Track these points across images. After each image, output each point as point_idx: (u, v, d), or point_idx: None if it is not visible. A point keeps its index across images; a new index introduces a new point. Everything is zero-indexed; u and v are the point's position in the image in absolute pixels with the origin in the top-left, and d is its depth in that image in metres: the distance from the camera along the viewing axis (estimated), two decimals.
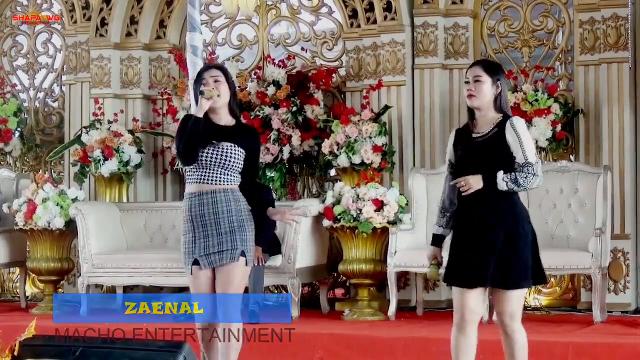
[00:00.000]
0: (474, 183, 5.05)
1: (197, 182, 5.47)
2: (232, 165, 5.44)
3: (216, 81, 5.49)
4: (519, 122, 5.14)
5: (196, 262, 5.47)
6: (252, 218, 5.51)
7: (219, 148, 5.43)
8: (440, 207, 5.35)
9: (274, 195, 8.96)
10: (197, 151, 5.44)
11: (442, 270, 5.25)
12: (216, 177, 5.44)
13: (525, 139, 5.11)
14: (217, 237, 5.42)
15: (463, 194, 5.09)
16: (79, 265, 9.24)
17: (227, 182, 5.45)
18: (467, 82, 5.20)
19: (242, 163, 5.48)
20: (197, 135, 5.41)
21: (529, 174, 5.06)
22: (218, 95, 5.46)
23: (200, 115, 5.44)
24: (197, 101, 5.56)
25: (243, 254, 5.42)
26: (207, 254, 5.44)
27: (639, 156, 8.66)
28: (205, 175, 5.46)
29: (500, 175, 5.05)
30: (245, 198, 5.52)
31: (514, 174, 5.06)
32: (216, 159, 5.43)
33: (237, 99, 5.63)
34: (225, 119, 5.54)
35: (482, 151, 5.13)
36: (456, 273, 5.15)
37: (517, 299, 5.12)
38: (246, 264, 5.45)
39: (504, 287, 5.08)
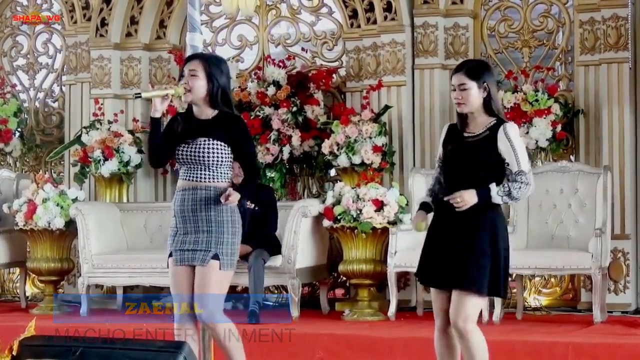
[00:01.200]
0: (469, 198, 4.99)
1: (182, 179, 5.36)
2: (212, 161, 5.25)
3: (192, 75, 5.29)
4: (511, 128, 5.06)
5: (171, 255, 5.36)
6: (236, 219, 5.31)
7: (193, 145, 5.27)
8: (429, 188, 5.31)
9: (274, 196, 8.94)
10: (158, 153, 5.34)
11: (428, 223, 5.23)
12: (198, 175, 5.29)
13: (519, 147, 5.05)
14: (194, 234, 5.28)
15: (457, 209, 5.02)
16: (79, 265, 9.25)
17: (210, 179, 5.28)
18: (453, 90, 5.13)
19: (226, 156, 5.28)
20: (155, 137, 5.30)
21: (521, 183, 5.02)
22: (188, 90, 5.26)
23: (157, 115, 5.26)
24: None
25: (216, 257, 5.24)
26: (181, 249, 5.31)
27: (639, 156, 8.66)
28: (188, 172, 5.32)
29: (494, 189, 5.00)
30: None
31: (507, 186, 5.01)
32: (193, 156, 5.27)
33: (222, 88, 5.32)
34: (205, 112, 5.34)
35: (471, 153, 5.07)
36: (429, 273, 5.16)
37: (471, 303, 5.04)
38: (220, 268, 5.24)
39: (458, 288, 5.03)
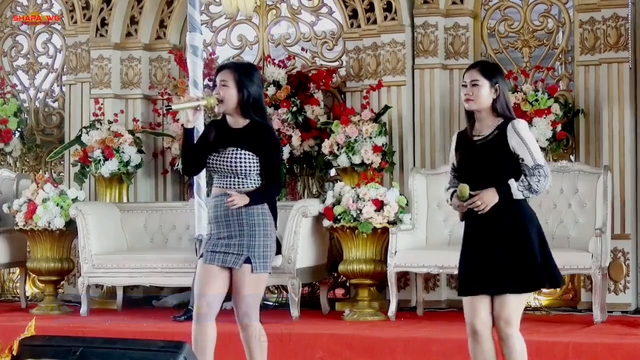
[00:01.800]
0: (489, 199, 4.98)
1: (215, 186, 5.47)
2: (242, 170, 5.36)
3: (223, 85, 5.39)
4: (520, 124, 5.07)
5: (201, 256, 5.49)
6: (268, 221, 5.41)
7: (225, 153, 5.37)
8: (449, 186, 5.27)
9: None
10: (190, 162, 5.43)
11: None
12: (229, 182, 5.40)
13: (530, 141, 5.05)
14: (227, 239, 5.40)
15: (479, 213, 5.01)
16: (79, 265, 9.24)
17: (240, 185, 5.38)
18: (464, 86, 5.14)
19: (255, 165, 5.38)
20: (187, 147, 5.40)
21: (540, 176, 5.01)
22: (220, 101, 5.37)
23: (189, 126, 5.37)
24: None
25: (248, 261, 5.36)
26: (213, 250, 5.42)
27: (639, 156, 8.66)
28: (220, 180, 5.43)
29: (514, 185, 4.99)
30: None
31: (525, 180, 5.00)
32: (223, 165, 5.38)
33: (253, 97, 5.39)
34: (238, 121, 5.44)
35: (483, 154, 5.06)
36: (464, 282, 5.13)
37: (513, 305, 5.05)
38: (252, 271, 5.37)
39: (500, 292, 5.03)
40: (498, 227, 5.03)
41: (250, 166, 5.37)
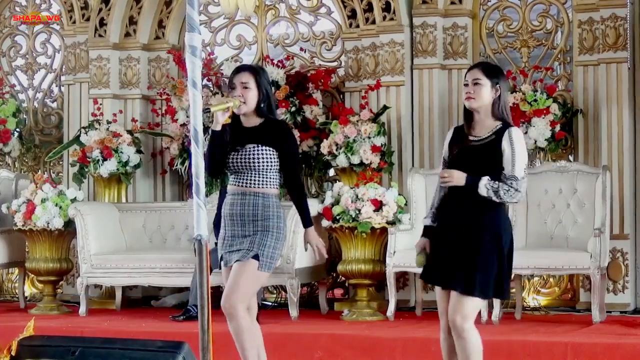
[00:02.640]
0: (456, 178, 5.07)
1: (232, 184, 5.50)
2: (261, 167, 5.41)
3: (245, 87, 5.46)
4: (517, 133, 5.13)
5: (222, 258, 5.55)
6: (281, 226, 5.47)
7: (243, 151, 5.42)
8: (431, 202, 5.37)
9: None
10: (218, 164, 5.46)
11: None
12: (248, 180, 5.44)
13: (519, 152, 5.10)
14: (241, 238, 5.44)
15: (441, 185, 5.14)
16: (78, 266, 9.25)
17: (259, 184, 5.43)
18: (466, 85, 5.19)
19: (274, 161, 5.44)
20: (216, 149, 5.43)
21: (511, 187, 5.06)
22: (243, 102, 5.42)
23: (218, 128, 5.42)
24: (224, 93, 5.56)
25: (256, 257, 5.39)
26: (229, 251, 5.48)
27: (638, 156, 8.66)
28: (238, 179, 5.47)
29: (484, 180, 5.05)
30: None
31: (496, 184, 5.06)
32: (243, 162, 5.42)
33: (271, 98, 5.54)
34: (253, 120, 5.51)
35: (476, 156, 5.13)
36: (434, 272, 5.18)
37: (469, 304, 5.08)
38: (257, 267, 5.39)
39: (456, 290, 5.07)
40: (470, 228, 5.08)
41: (270, 162, 5.44)
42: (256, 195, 5.44)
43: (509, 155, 5.08)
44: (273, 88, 9.16)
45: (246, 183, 5.45)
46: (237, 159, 5.45)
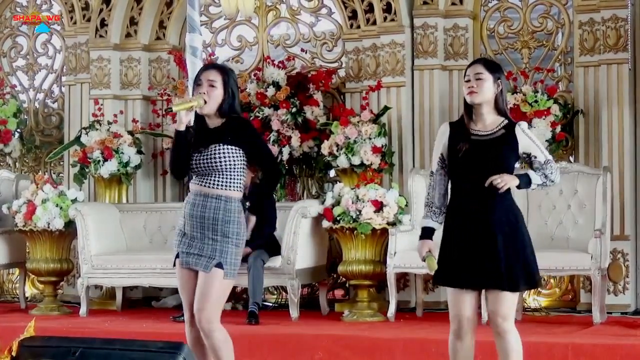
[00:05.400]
0: (509, 179, 5.01)
1: (195, 184, 5.40)
2: (225, 167, 5.30)
3: (211, 85, 5.35)
4: (525, 126, 5.17)
5: (178, 256, 5.46)
6: (241, 231, 5.36)
7: (206, 151, 5.32)
8: (427, 202, 5.24)
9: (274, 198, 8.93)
10: (182, 165, 5.37)
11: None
12: (211, 181, 5.33)
13: (537, 140, 5.18)
14: (200, 241, 5.36)
15: (499, 191, 5.01)
16: (78, 266, 9.25)
17: (223, 186, 5.32)
18: (468, 80, 5.16)
19: (238, 160, 5.33)
20: (180, 149, 5.34)
21: (553, 168, 5.12)
22: (205, 102, 5.32)
23: (181, 128, 5.33)
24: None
25: (219, 265, 5.30)
26: (187, 252, 5.39)
27: (639, 157, 8.66)
28: (202, 179, 5.36)
29: (531, 173, 5.10)
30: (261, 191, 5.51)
31: (540, 171, 5.11)
32: (206, 163, 5.32)
33: (235, 100, 5.42)
34: (215, 121, 5.41)
35: (491, 150, 5.06)
36: (450, 274, 5.11)
37: (511, 301, 5.07)
38: (223, 277, 5.30)
39: (500, 288, 5.03)
40: (495, 222, 5.05)
41: (234, 161, 5.32)
42: (218, 199, 5.32)
43: (534, 146, 5.11)
44: (274, 89, 9.28)
45: (209, 184, 5.34)
46: (200, 159, 5.33)
